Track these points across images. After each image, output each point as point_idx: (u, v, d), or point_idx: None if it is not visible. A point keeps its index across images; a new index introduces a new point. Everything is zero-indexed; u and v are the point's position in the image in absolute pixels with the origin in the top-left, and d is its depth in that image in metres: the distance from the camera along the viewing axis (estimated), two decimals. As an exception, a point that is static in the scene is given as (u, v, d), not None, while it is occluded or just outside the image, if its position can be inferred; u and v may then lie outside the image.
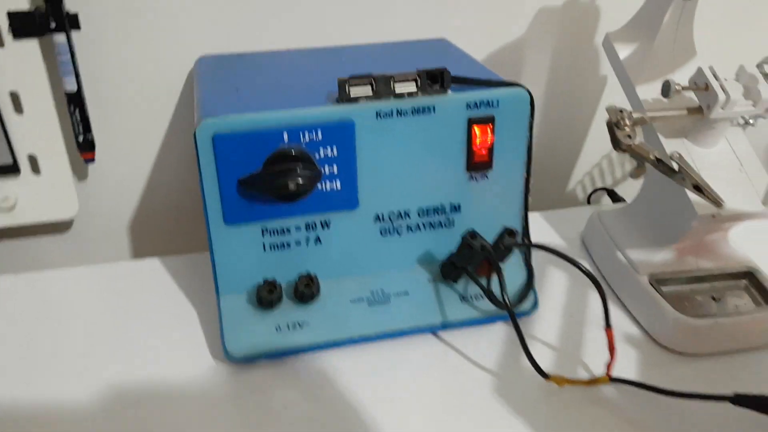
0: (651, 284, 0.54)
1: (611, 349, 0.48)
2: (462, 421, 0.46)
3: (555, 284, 0.59)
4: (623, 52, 0.57)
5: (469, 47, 0.65)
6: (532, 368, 0.48)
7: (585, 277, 0.47)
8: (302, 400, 0.47)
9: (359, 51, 0.62)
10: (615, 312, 0.56)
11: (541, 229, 0.68)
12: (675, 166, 0.46)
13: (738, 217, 0.50)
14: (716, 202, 0.47)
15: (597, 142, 0.81)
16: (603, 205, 0.81)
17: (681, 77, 0.53)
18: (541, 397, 0.48)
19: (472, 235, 0.48)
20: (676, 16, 0.54)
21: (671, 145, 0.53)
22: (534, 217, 0.69)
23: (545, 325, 0.55)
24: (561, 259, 0.48)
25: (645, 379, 0.49)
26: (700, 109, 0.50)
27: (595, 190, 0.83)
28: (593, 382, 0.48)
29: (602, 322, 0.48)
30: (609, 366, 0.48)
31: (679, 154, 0.46)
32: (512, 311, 0.48)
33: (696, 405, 0.47)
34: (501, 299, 0.48)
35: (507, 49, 0.71)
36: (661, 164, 0.46)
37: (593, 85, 0.76)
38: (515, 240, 0.47)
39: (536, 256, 0.58)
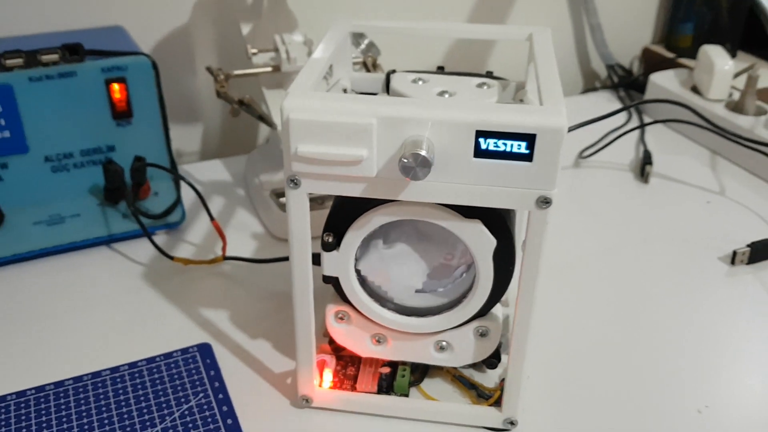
0: (271, 196, 0.75)
1: (221, 236, 0.67)
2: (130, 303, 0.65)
3: (217, 201, 0.79)
4: (245, 29, 0.77)
5: (142, 33, 0.83)
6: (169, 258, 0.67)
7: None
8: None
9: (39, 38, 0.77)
10: (251, 218, 0.77)
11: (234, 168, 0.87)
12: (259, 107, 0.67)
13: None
14: (275, 126, 0.69)
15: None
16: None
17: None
18: (172, 275, 0.67)
19: (110, 162, 0.66)
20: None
21: (275, 94, 0.74)
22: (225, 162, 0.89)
23: (194, 232, 0.74)
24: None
25: (257, 257, 0.70)
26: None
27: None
28: (212, 261, 0.68)
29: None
30: (223, 249, 0.68)
31: (249, 96, 0.67)
32: (138, 216, 0.66)
33: (284, 266, 0.67)
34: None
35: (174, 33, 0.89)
36: (241, 104, 0.66)
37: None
38: (141, 163, 0.66)
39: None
